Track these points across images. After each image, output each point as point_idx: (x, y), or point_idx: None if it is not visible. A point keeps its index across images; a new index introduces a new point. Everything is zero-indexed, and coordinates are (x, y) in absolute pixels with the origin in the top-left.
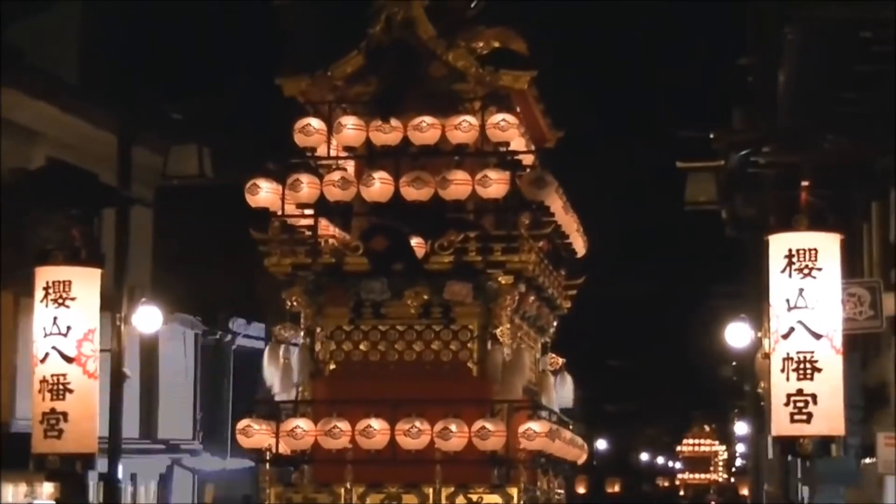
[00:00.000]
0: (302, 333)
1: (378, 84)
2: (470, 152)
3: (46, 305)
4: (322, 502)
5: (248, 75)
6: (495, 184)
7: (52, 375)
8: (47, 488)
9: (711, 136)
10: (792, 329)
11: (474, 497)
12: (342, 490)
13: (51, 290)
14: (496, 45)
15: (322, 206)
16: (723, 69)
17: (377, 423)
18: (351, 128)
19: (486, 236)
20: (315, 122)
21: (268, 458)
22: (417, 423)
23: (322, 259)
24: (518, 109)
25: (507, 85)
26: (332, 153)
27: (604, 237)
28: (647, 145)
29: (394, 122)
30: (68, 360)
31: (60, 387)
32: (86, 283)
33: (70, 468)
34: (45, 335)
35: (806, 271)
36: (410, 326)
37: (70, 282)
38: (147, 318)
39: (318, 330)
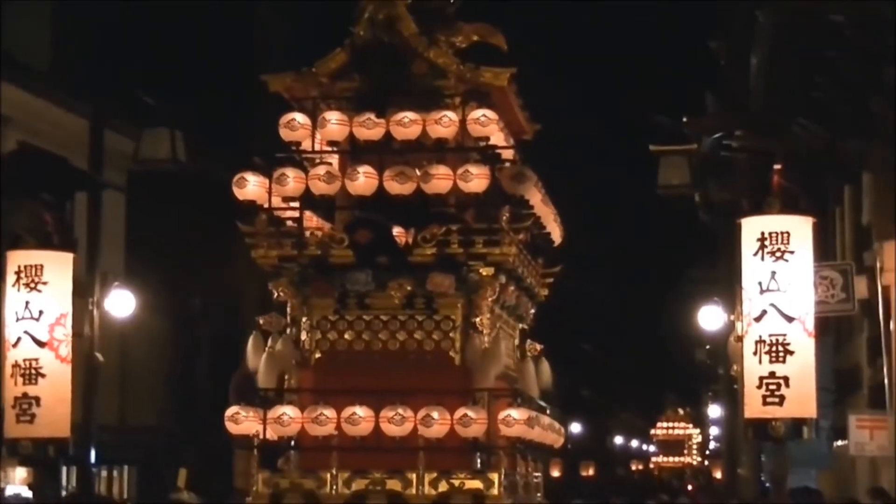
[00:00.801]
0: (288, 323)
1: (364, 82)
2: (451, 147)
3: (18, 290)
4: (308, 487)
5: (219, 63)
6: (476, 178)
7: (25, 360)
8: (20, 473)
9: (684, 120)
10: (764, 312)
11: (456, 482)
12: (328, 475)
13: (22, 275)
14: (476, 38)
15: (308, 200)
16: (694, 53)
17: (362, 411)
18: (335, 123)
19: (468, 229)
20: (300, 118)
21: (256, 444)
22: (401, 411)
23: (308, 251)
24: (498, 104)
25: (487, 81)
26: (317, 148)
27: (577, 224)
28: (620, 130)
29: (376, 117)
30: (40, 344)
31: (33, 371)
32: (58, 268)
33: (43, 453)
34: (17, 319)
35: (778, 254)
36: (394, 317)
37: (42, 266)
38: (120, 302)
39: (304, 320)
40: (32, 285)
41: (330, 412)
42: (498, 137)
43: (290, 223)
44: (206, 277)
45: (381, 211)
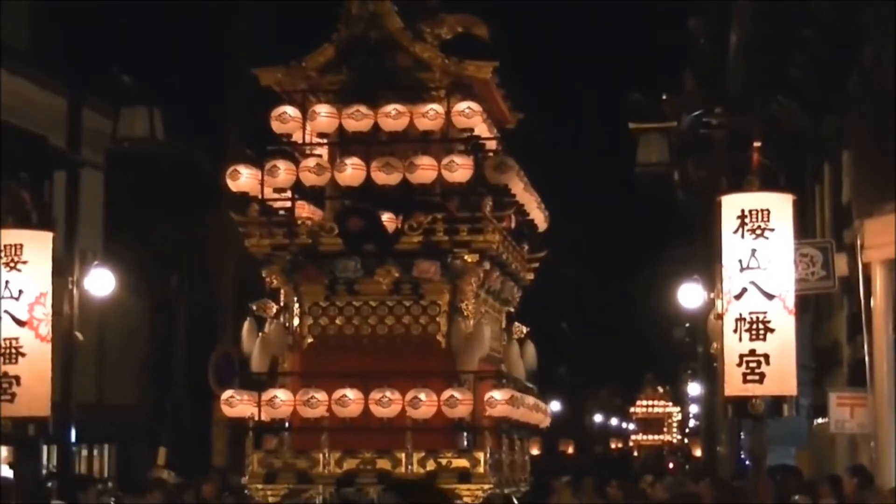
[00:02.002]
0: (280, 309)
1: (351, 75)
2: (436, 138)
3: None
4: (301, 467)
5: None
6: (461, 169)
7: (5, 339)
8: (2, 452)
9: (663, 98)
10: (744, 290)
11: (443, 461)
12: (320, 455)
13: (2, 254)
14: (459, 30)
15: (298, 190)
16: (673, 32)
17: (352, 393)
18: (324, 115)
19: (453, 218)
20: (290, 111)
21: (250, 426)
22: (389, 393)
23: (299, 240)
24: (481, 96)
25: (470, 74)
26: (307, 139)
27: (556, 204)
28: (598, 108)
29: (364, 109)
30: (20, 323)
31: (13, 350)
32: (37, 247)
33: (23, 432)
34: None
35: (758, 232)
36: (382, 302)
37: (21, 245)
38: (99, 281)
39: (296, 306)
40: (12, 265)
41: (321, 395)
42: (482, 129)
43: (281, 213)
44: (183, 257)
45: (368, 200)
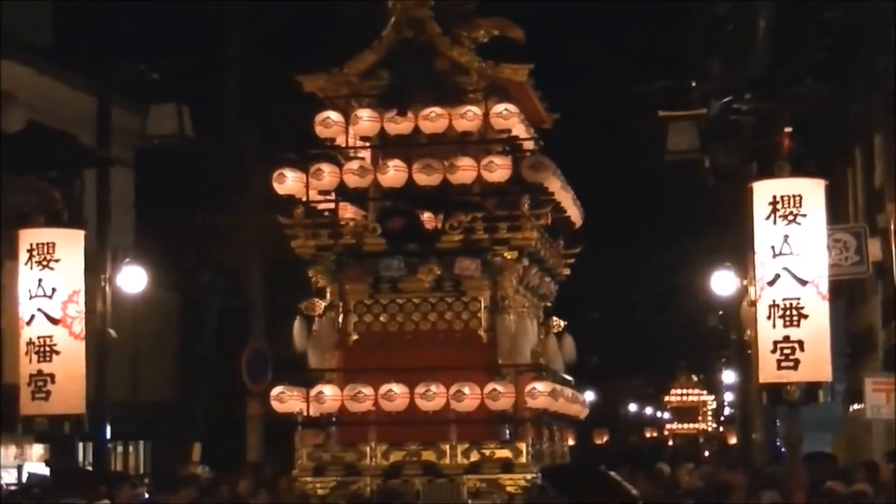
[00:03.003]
0: (326, 308)
1: (391, 80)
2: (475, 140)
3: (31, 268)
4: (349, 460)
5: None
6: (499, 169)
7: (39, 337)
8: (37, 450)
9: (692, 84)
10: (777, 276)
11: (486, 452)
12: (367, 448)
13: (34, 253)
14: (495, 33)
15: (341, 192)
16: (701, 18)
17: (397, 388)
18: (367, 119)
19: (492, 216)
20: (333, 115)
21: (300, 421)
22: (433, 387)
23: (343, 240)
24: (517, 98)
25: (506, 77)
26: (351, 143)
27: (587, 194)
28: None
29: (398, 114)
30: (54, 321)
31: (47, 349)
32: (69, 245)
33: (58, 430)
34: (31, 297)
35: (791, 218)
36: (425, 299)
37: (53, 244)
38: (131, 278)
39: (341, 304)
40: (45, 263)
41: (367, 389)
42: (519, 129)
43: (325, 214)
44: (213, 253)
45: (409, 201)
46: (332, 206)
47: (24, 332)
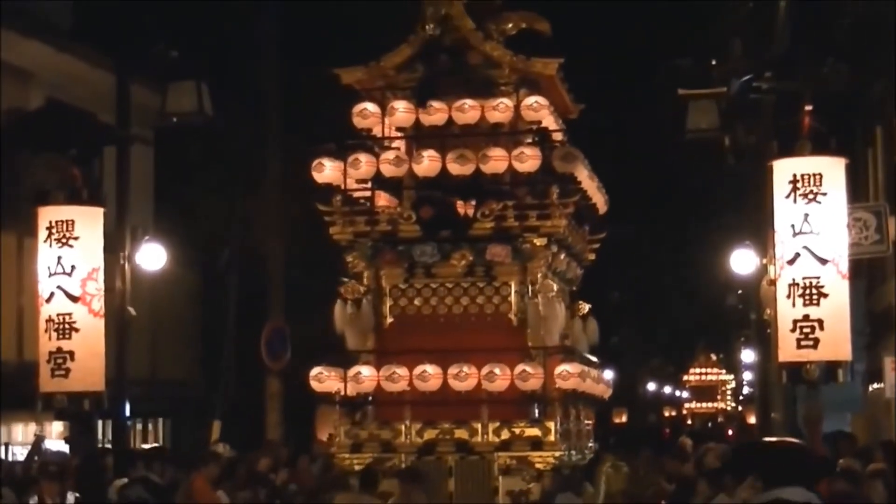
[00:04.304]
0: (365, 291)
1: (426, 73)
2: (506, 131)
3: (50, 245)
4: (384, 438)
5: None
6: (530, 159)
7: (58, 315)
8: (57, 427)
9: (712, 63)
10: (797, 255)
11: (516, 431)
12: (402, 426)
13: (54, 230)
14: (523, 25)
15: (378, 181)
16: None
17: (431, 369)
18: (402, 111)
19: (522, 205)
20: (370, 107)
21: (337, 400)
22: (466, 368)
23: (379, 227)
24: (546, 90)
25: (537, 71)
26: (387, 133)
27: (607, 173)
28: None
29: (438, 104)
30: (73, 299)
31: (66, 326)
32: (88, 223)
33: (78, 407)
34: (50, 275)
35: (811, 196)
36: (457, 284)
37: (73, 221)
38: (151, 256)
39: (378, 288)
40: (64, 240)
41: (402, 370)
42: (548, 121)
43: (361, 202)
44: (233, 231)
45: (444, 189)
46: (367, 193)
47: (43, 309)
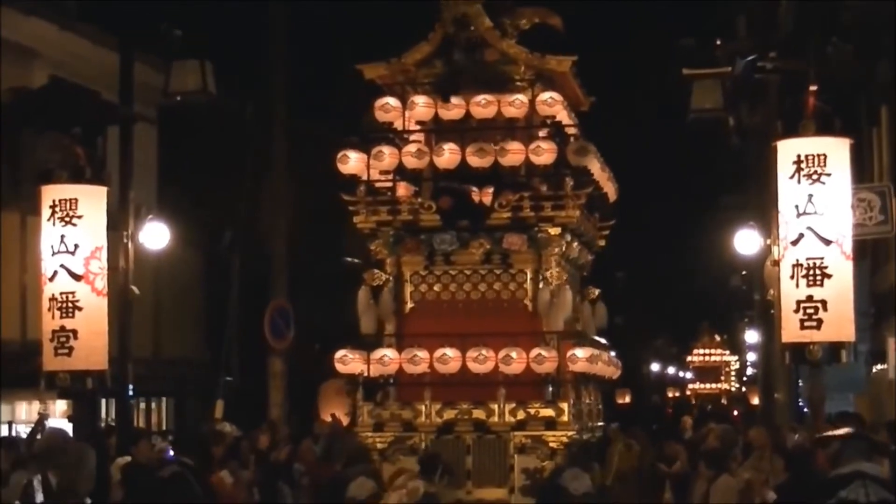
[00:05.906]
0: (387, 278)
1: (445, 69)
2: (522, 125)
3: (53, 224)
4: (406, 417)
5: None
6: (546, 153)
7: (61, 293)
8: (60, 406)
9: (717, 42)
10: (801, 235)
11: (532, 411)
12: (422, 407)
13: (57, 209)
14: (536, 20)
15: (399, 172)
16: None
17: (451, 352)
18: (422, 105)
19: (538, 196)
20: (392, 101)
21: (360, 381)
22: (484, 352)
23: (401, 217)
24: (559, 85)
25: (551, 67)
26: (408, 127)
27: (610, 154)
28: (651, 56)
29: (457, 99)
30: (76, 277)
31: (69, 305)
32: (92, 201)
33: (81, 385)
34: (53, 253)
35: (815, 177)
36: (475, 271)
37: (76, 200)
38: (154, 235)
39: (399, 275)
40: (67, 219)
41: (423, 353)
42: (562, 115)
43: (384, 193)
44: (236, 210)
45: (463, 181)
46: (389, 184)
47: (46, 288)
